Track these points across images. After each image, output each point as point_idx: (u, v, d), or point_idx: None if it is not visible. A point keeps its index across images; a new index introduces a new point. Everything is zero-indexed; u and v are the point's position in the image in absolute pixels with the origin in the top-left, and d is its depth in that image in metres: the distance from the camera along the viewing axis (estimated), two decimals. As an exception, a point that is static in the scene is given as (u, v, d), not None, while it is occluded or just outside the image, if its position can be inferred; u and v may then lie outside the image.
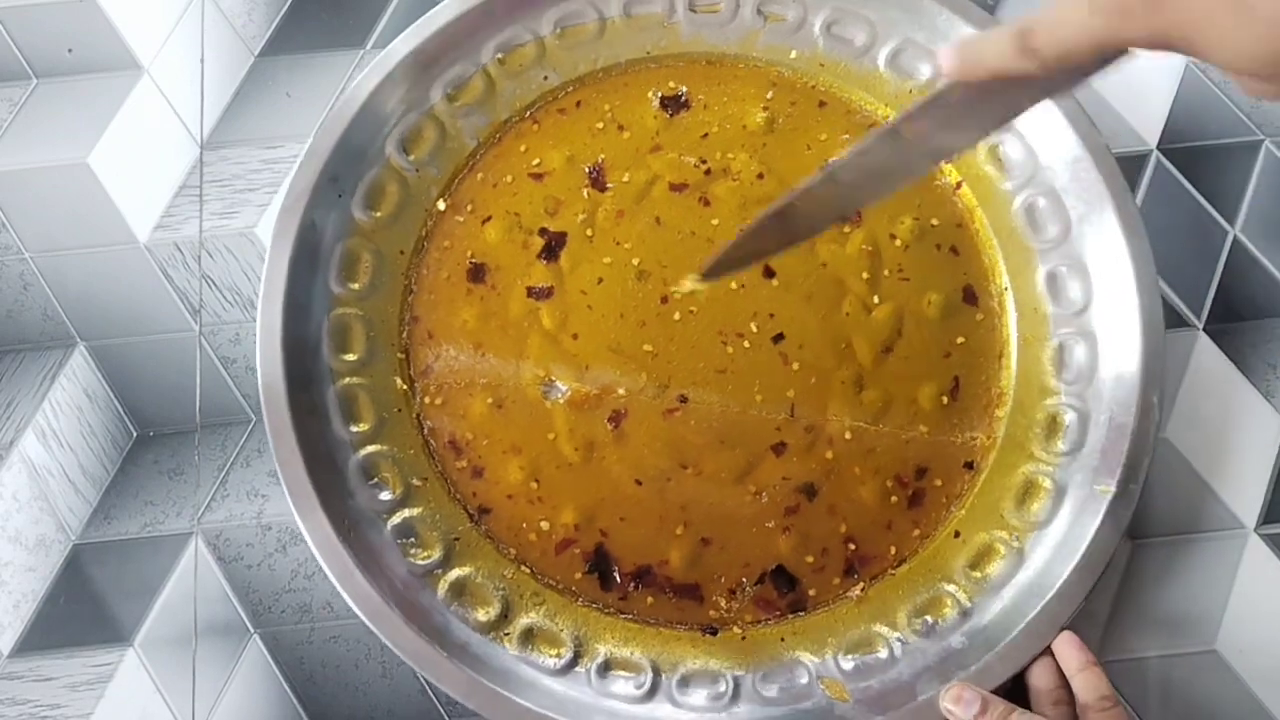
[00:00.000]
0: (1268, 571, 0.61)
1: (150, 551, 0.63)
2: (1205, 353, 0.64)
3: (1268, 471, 0.62)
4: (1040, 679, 0.54)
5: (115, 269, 0.68)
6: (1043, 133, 0.62)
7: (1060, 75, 0.37)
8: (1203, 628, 0.60)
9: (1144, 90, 0.69)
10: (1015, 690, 0.55)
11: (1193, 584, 0.61)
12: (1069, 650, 0.53)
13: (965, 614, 0.57)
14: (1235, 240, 0.66)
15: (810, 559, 0.59)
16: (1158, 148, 0.68)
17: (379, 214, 0.63)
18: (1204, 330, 0.64)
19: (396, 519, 0.59)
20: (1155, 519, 0.62)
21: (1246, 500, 0.62)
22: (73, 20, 0.72)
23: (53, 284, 0.68)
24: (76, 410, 0.65)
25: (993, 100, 0.40)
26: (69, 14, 0.72)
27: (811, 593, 0.59)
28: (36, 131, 0.70)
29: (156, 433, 0.65)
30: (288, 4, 0.73)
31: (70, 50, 0.72)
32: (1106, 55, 0.36)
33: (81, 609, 0.62)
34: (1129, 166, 0.66)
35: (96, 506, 0.64)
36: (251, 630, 0.62)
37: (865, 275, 0.62)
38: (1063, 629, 0.54)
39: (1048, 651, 0.54)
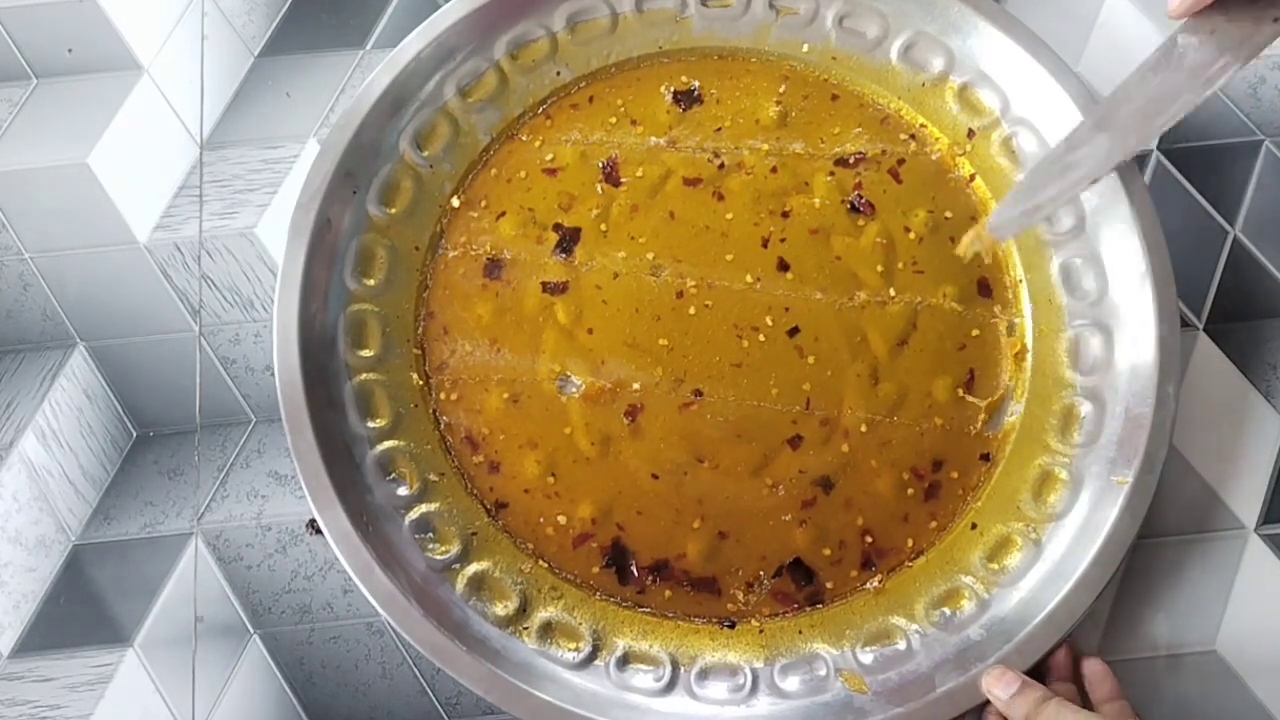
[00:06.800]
0: (1268, 572, 0.72)
1: (150, 552, 0.74)
2: (1206, 353, 0.76)
3: (1268, 472, 0.74)
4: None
5: (115, 269, 0.79)
6: (1057, 124, 0.73)
7: None
8: (1203, 628, 0.71)
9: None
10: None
11: (1193, 584, 0.72)
12: (1098, 679, 0.64)
13: (983, 606, 0.67)
14: (1235, 240, 0.78)
15: (827, 552, 0.70)
16: (1158, 148, 0.80)
17: (394, 210, 0.75)
18: (1204, 330, 0.76)
19: (414, 514, 0.70)
20: (1156, 519, 0.72)
21: (1247, 500, 0.73)
22: (73, 20, 0.85)
23: (53, 284, 0.79)
24: (76, 410, 0.77)
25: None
26: (69, 14, 0.85)
27: (829, 585, 0.70)
28: (36, 131, 0.82)
29: (156, 433, 0.76)
30: (288, 4, 0.85)
31: (70, 50, 0.84)
32: None
33: (81, 609, 0.73)
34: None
35: (96, 507, 0.75)
36: (251, 631, 0.73)
37: (880, 268, 0.74)
38: (1074, 649, 0.66)
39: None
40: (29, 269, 0.80)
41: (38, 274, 0.80)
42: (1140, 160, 0.80)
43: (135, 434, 0.76)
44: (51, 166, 0.82)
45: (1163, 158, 0.80)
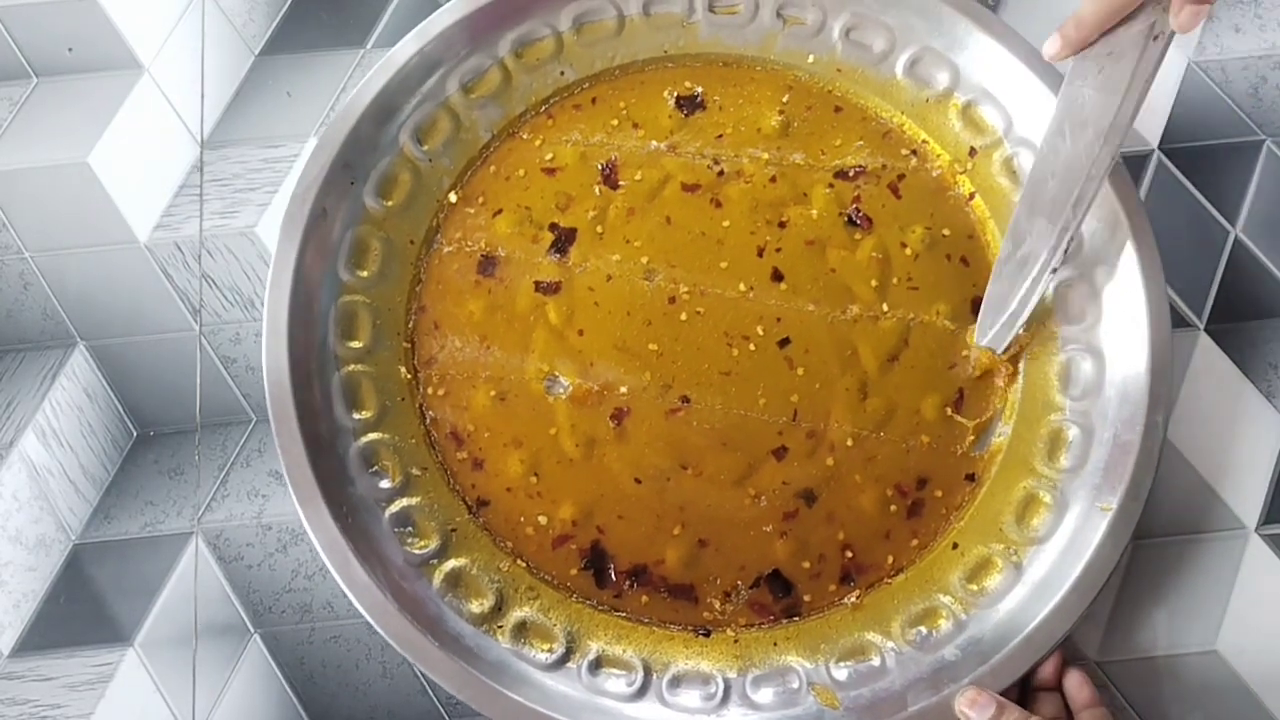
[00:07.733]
0: (1268, 572, 0.74)
1: (150, 551, 0.77)
2: (1206, 353, 0.78)
3: (1269, 471, 0.76)
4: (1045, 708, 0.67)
5: (115, 269, 0.82)
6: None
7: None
8: (1203, 628, 0.73)
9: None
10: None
11: (1193, 584, 0.74)
12: (1076, 687, 0.66)
13: (960, 626, 0.69)
14: (1236, 240, 0.80)
15: (807, 565, 0.72)
16: (1159, 148, 0.82)
17: (390, 203, 0.78)
18: (1205, 330, 0.78)
19: (395, 507, 0.72)
20: (1156, 519, 0.74)
21: (1247, 500, 0.75)
22: (73, 19, 0.88)
23: (53, 284, 0.82)
24: (76, 410, 0.80)
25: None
26: (69, 13, 0.88)
27: (806, 598, 0.72)
28: (36, 131, 0.86)
29: (156, 432, 0.79)
30: (288, 3, 0.88)
31: (70, 49, 0.87)
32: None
33: (81, 609, 0.76)
34: (1131, 167, 0.80)
35: (96, 506, 0.78)
36: (251, 630, 0.76)
37: (874, 283, 0.76)
38: (1064, 659, 0.68)
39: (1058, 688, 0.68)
40: (29, 268, 0.83)
41: (38, 273, 0.83)
42: (1140, 161, 0.81)
43: (135, 433, 0.79)
44: (51, 166, 0.85)
45: (1163, 157, 0.82)
